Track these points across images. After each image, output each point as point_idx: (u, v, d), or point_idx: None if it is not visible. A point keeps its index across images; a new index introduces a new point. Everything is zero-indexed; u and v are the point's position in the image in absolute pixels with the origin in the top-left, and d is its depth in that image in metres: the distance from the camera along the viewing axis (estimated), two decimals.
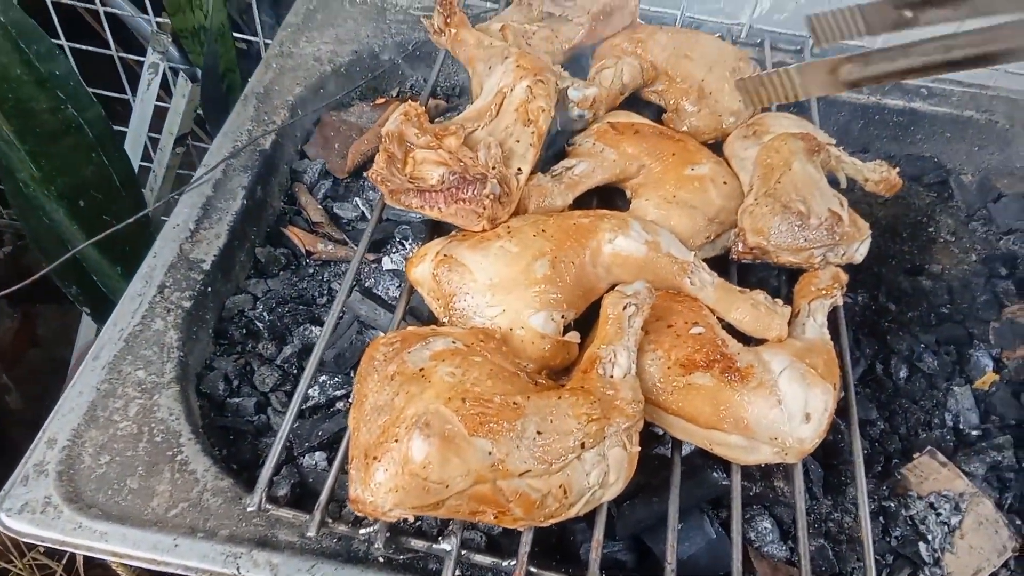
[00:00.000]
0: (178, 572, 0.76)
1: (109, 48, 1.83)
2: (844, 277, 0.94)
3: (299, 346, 1.01)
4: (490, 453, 0.68)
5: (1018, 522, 0.94)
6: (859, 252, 0.97)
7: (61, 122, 1.02)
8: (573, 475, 0.72)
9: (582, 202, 0.99)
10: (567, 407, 0.73)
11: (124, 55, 1.90)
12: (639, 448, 0.75)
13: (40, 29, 1.01)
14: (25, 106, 0.98)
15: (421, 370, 0.72)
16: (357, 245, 1.10)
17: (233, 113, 1.14)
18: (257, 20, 1.68)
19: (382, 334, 0.78)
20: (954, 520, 0.93)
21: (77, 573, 1.46)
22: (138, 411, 0.85)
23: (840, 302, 0.93)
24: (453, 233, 0.89)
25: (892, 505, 0.94)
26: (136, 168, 1.91)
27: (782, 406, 0.80)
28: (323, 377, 0.97)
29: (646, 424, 0.82)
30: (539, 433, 0.71)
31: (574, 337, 0.83)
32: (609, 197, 1.04)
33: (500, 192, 0.87)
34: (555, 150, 1.03)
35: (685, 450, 0.89)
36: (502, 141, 0.91)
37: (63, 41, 1.87)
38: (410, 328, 0.79)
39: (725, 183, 0.98)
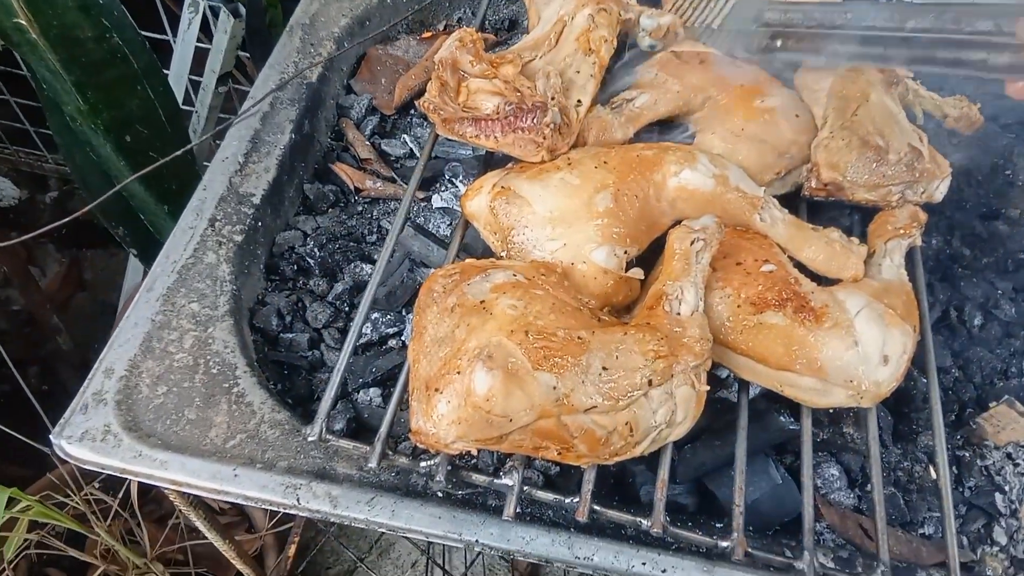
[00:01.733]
0: (238, 501, 0.75)
1: None
2: (923, 216, 0.89)
3: (350, 283, 0.99)
4: (555, 388, 0.66)
5: None
6: (939, 191, 0.92)
7: (107, 51, 1.00)
8: (640, 412, 0.69)
9: (643, 138, 0.95)
10: (633, 343, 0.70)
11: None
12: (707, 388, 0.72)
13: None
14: (70, 33, 0.95)
15: (482, 302, 0.70)
16: (406, 182, 1.08)
17: (279, 45, 1.10)
18: None
19: (438, 269, 0.75)
20: None
21: (132, 508, 1.50)
22: (193, 343, 0.84)
23: (919, 242, 0.88)
24: (510, 165, 0.85)
25: (967, 455, 0.90)
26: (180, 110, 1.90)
27: (859, 347, 0.76)
28: (375, 314, 0.95)
29: (710, 368, 0.79)
30: (605, 369, 0.68)
31: (637, 273, 0.79)
32: (671, 135, 0.99)
33: (560, 121, 0.83)
34: (618, 84, 0.98)
35: (750, 394, 0.86)
36: (561, 71, 0.86)
37: None
38: (469, 260, 0.76)
39: (797, 116, 0.92)
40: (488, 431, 0.65)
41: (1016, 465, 0.89)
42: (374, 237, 1.06)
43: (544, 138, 0.82)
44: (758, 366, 0.77)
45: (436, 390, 0.66)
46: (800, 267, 0.83)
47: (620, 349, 0.69)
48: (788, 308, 0.76)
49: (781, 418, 0.85)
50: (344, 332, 0.95)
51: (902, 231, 0.87)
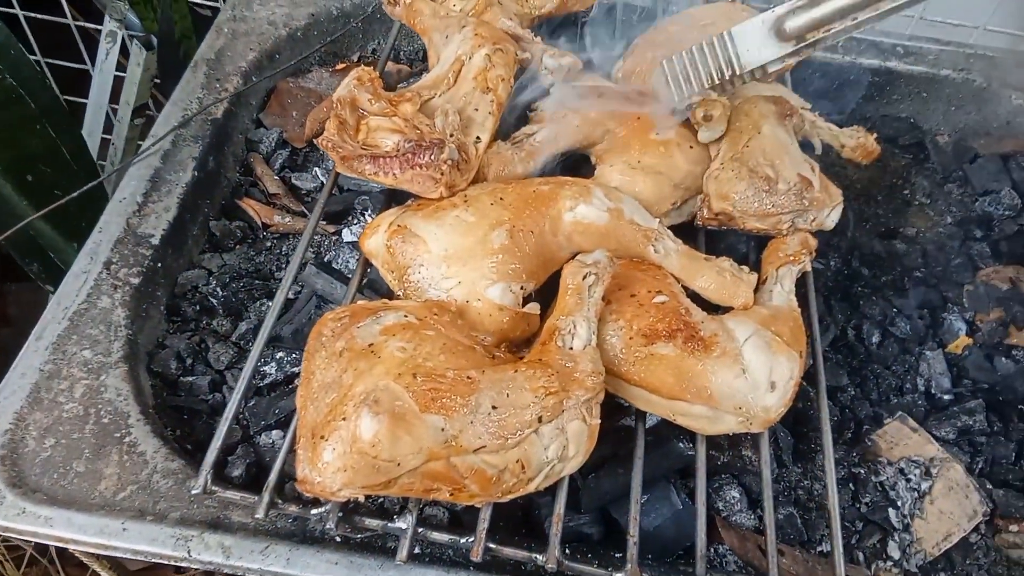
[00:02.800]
0: (127, 556, 0.74)
1: (66, 17, 1.76)
2: (813, 243, 0.92)
3: (255, 322, 0.97)
4: (443, 429, 0.66)
5: (989, 486, 0.94)
6: (830, 218, 0.95)
7: (1, 93, 0.97)
8: (531, 450, 0.70)
9: (549, 172, 0.96)
10: (523, 380, 0.71)
11: (83, 23, 1.83)
12: (599, 421, 0.73)
13: None
14: None
15: (371, 345, 0.70)
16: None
17: (182, 81, 1.09)
18: None
19: (328, 312, 0.74)
20: (924, 485, 0.92)
21: (50, 554, 1.44)
22: (84, 392, 0.82)
23: (809, 268, 0.91)
24: (408, 203, 0.86)
25: (862, 471, 0.93)
26: (98, 141, 1.86)
27: (746, 375, 0.78)
28: (280, 353, 0.94)
29: (611, 395, 0.80)
30: (494, 408, 0.68)
31: (534, 308, 0.80)
32: (576, 167, 1.01)
33: (458, 158, 0.84)
34: (516, 118, 0.99)
35: (650, 421, 0.87)
36: (460, 109, 0.87)
37: (17, 10, 1.80)
38: (360, 302, 0.76)
39: (692, 147, 0.94)
40: (375, 477, 0.65)
41: (908, 480, 0.92)
42: (282, 273, 1.05)
43: (442, 174, 0.83)
44: (652, 396, 0.79)
45: (322, 437, 0.65)
46: (696, 297, 0.86)
47: (511, 387, 0.70)
48: (678, 338, 0.78)
49: (680, 444, 0.87)
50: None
51: (792, 258, 0.89)
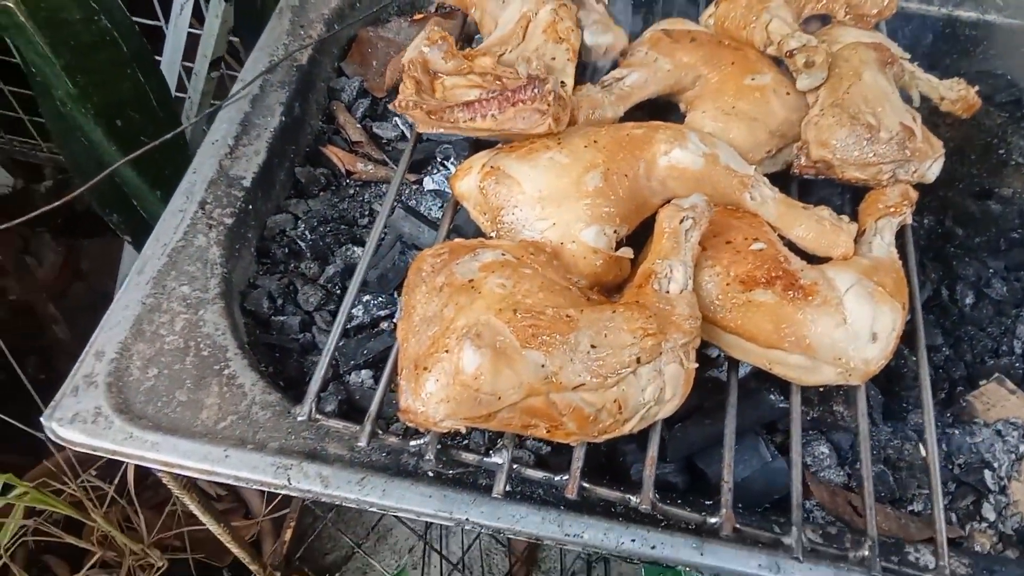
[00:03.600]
0: (229, 482, 0.76)
1: None
2: (914, 195, 0.89)
3: (341, 266, 0.99)
4: (543, 366, 0.66)
5: None
6: (931, 171, 0.91)
7: (95, 33, 0.99)
8: (628, 390, 0.69)
9: (632, 117, 0.95)
10: (622, 321, 0.70)
11: None
12: (696, 365, 0.73)
13: None
14: (58, 15, 0.95)
15: (470, 281, 0.70)
16: (397, 165, 1.08)
17: (268, 27, 1.10)
18: None
19: (427, 249, 0.75)
20: (1022, 448, 0.89)
21: (129, 495, 1.50)
22: (184, 326, 0.84)
23: (909, 220, 0.88)
24: (500, 145, 0.85)
25: (956, 432, 0.91)
26: (171, 97, 1.89)
27: (848, 324, 0.76)
28: (367, 297, 0.95)
29: (700, 345, 0.79)
30: (593, 347, 0.68)
31: (627, 252, 0.79)
32: (661, 115, 0.98)
33: (560, 91, 0.82)
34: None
35: (741, 372, 0.86)
36: (538, 59, 0.86)
37: None
38: (457, 240, 0.76)
39: (788, 93, 0.91)
40: (476, 409, 0.65)
41: (1005, 442, 0.89)
42: (365, 220, 1.06)
43: (548, 105, 0.80)
44: (747, 344, 0.78)
45: (425, 368, 0.66)
46: (791, 246, 0.83)
47: (609, 327, 0.69)
48: (777, 286, 0.76)
49: (771, 396, 0.85)
50: (335, 315, 0.95)
51: (892, 210, 0.86)
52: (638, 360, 0.69)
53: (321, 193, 1.07)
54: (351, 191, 1.08)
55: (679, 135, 0.84)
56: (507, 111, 0.82)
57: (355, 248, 1.01)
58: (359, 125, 1.12)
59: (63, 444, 0.77)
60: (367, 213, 1.06)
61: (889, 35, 1.11)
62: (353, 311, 0.94)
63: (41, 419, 0.77)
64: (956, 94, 1.01)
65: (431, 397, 0.65)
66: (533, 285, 0.70)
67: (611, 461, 0.86)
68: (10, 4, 0.90)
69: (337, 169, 1.09)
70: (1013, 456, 0.88)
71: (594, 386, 0.68)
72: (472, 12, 0.96)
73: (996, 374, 0.94)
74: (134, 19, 1.85)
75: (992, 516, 0.85)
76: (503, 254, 0.73)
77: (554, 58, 0.87)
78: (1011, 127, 1.24)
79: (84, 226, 2.64)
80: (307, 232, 1.00)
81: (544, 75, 0.82)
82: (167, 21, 1.81)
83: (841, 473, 0.87)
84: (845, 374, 0.77)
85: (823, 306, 0.76)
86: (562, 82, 0.87)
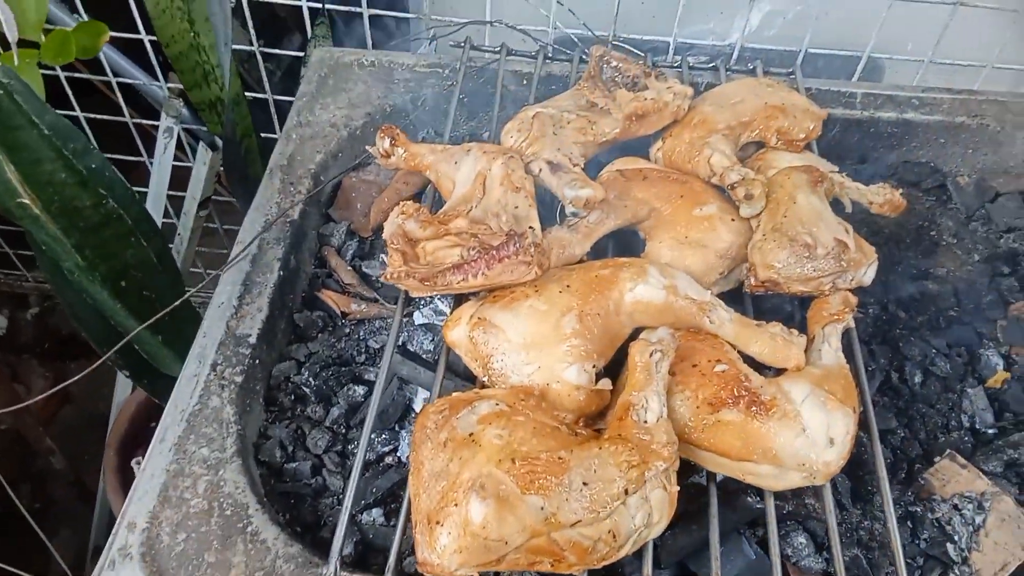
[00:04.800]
0: None
1: (124, 115, 1.91)
2: (854, 300, 1.00)
3: (345, 407, 1.07)
4: (543, 508, 0.74)
5: None
6: (867, 275, 1.03)
7: (103, 215, 1.09)
8: (620, 520, 0.77)
9: (600, 247, 1.05)
10: (608, 456, 0.79)
11: (139, 121, 1.97)
12: (678, 487, 0.81)
13: (73, 127, 1.07)
14: (70, 204, 1.04)
15: (471, 435, 0.78)
16: (387, 301, 1.17)
17: (261, 188, 1.20)
18: (264, 80, 1.74)
19: (426, 398, 0.83)
20: (978, 519, 0.98)
21: None
22: (206, 487, 0.91)
23: (852, 324, 0.99)
24: (482, 295, 0.94)
25: (918, 510, 1.00)
26: (159, 227, 1.99)
27: (807, 433, 0.85)
28: (371, 435, 1.02)
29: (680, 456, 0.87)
30: (585, 484, 0.76)
31: (606, 384, 0.88)
32: (624, 239, 1.09)
33: (538, 241, 0.92)
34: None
35: (719, 478, 0.95)
36: (505, 212, 0.97)
37: (78, 113, 1.95)
38: (456, 394, 0.84)
39: (733, 219, 1.03)
40: (487, 555, 0.73)
41: (963, 515, 0.98)
42: (363, 357, 1.14)
43: (532, 256, 0.90)
44: (721, 459, 0.87)
45: (437, 523, 0.74)
46: (748, 359, 0.93)
47: (597, 463, 0.78)
48: (741, 404, 0.86)
49: (748, 499, 0.94)
50: (343, 455, 1.03)
51: (836, 317, 0.97)
52: (626, 491, 0.77)
53: (319, 335, 1.16)
54: (347, 330, 1.17)
55: (641, 272, 0.94)
56: (495, 267, 0.91)
57: (355, 387, 1.09)
58: (349, 267, 1.22)
59: None
60: (363, 350, 1.14)
61: (821, 136, 1.24)
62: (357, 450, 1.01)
63: None
64: (883, 198, 1.13)
65: (445, 549, 0.73)
66: (527, 432, 0.79)
67: (611, 574, 0.94)
68: (27, 200, 0.99)
69: (332, 311, 1.18)
70: (971, 528, 0.97)
71: (590, 520, 0.76)
72: (428, 174, 1.07)
73: (948, 450, 1.04)
74: (119, 157, 1.98)
75: None
76: (497, 404, 0.82)
77: (517, 207, 0.98)
78: (939, 210, 1.37)
79: (69, 350, 2.70)
80: (310, 378, 1.08)
81: (516, 228, 0.93)
82: (151, 156, 1.92)
83: (819, 560, 0.95)
84: (810, 477, 0.86)
85: (783, 419, 0.85)
86: (531, 227, 0.98)
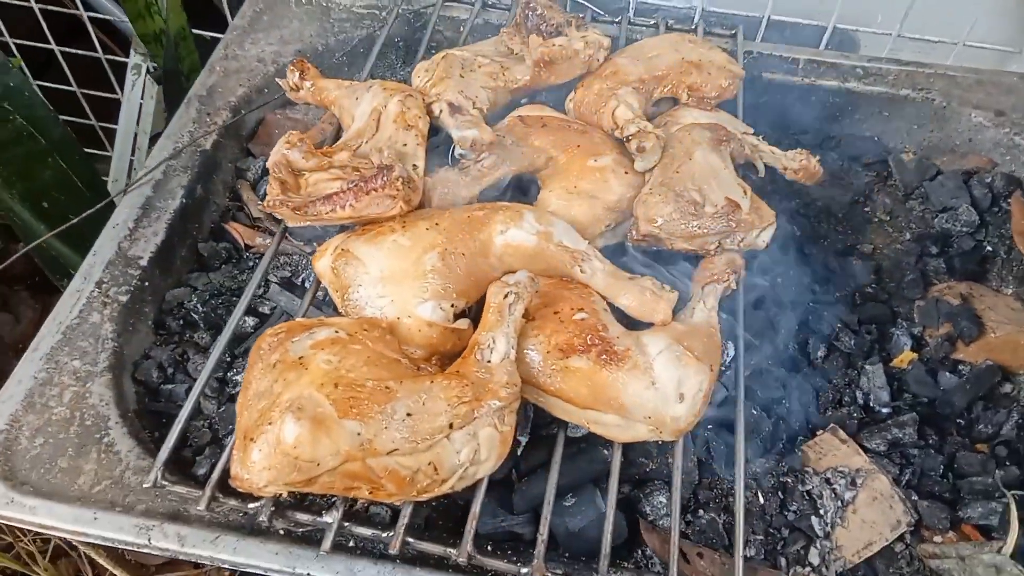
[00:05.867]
0: (98, 542, 0.84)
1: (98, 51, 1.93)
2: (740, 262, 0.97)
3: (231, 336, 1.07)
4: (359, 434, 0.74)
5: (915, 498, 0.97)
6: (760, 238, 1.00)
7: (11, 132, 1.10)
8: (443, 453, 0.77)
9: (501, 196, 1.04)
10: (439, 390, 0.78)
11: (113, 57, 1.99)
12: (511, 428, 0.80)
13: None
14: None
15: (301, 358, 0.78)
16: (297, 238, 1.17)
17: (175, 116, 1.20)
18: (228, 15, 1.74)
19: (268, 328, 0.83)
20: (848, 495, 0.95)
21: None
22: (71, 397, 0.93)
23: (734, 286, 0.96)
24: (354, 228, 0.94)
25: (789, 481, 0.97)
26: (127, 163, 2.01)
27: (656, 387, 0.84)
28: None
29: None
30: (409, 415, 0.76)
31: (462, 324, 0.88)
32: (528, 189, 1.08)
33: (407, 175, 0.92)
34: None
35: (581, 431, 0.94)
36: (390, 147, 0.96)
37: (53, 46, 1.97)
38: (299, 320, 0.85)
39: (626, 173, 1.01)
40: (297, 475, 0.73)
41: (833, 490, 0.96)
42: (261, 291, 1.14)
43: (398, 191, 0.90)
44: (567, 406, 0.85)
45: (251, 439, 0.74)
46: (623, 314, 0.92)
47: (427, 396, 0.78)
48: (592, 352, 0.84)
49: (605, 451, 0.93)
50: (223, 382, 1.03)
51: (716, 277, 0.95)
52: (451, 425, 0.77)
53: (223, 266, 1.17)
54: (251, 263, 1.17)
55: (516, 216, 0.93)
56: (362, 199, 0.91)
57: (247, 319, 1.09)
58: (260, 202, 1.22)
59: None
60: (263, 284, 1.15)
61: (751, 104, 1.21)
62: (237, 377, 1.02)
63: None
64: (798, 164, 1.10)
65: (254, 465, 0.73)
66: (359, 360, 0.79)
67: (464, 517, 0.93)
68: None
69: (238, 243, 1.19)
70: (839, 503, 0.95)
71: (407, 450, 0.75)
72: (332, 109, 1.06)
73: (831, 424, 1.02)
74: (96, 93, 2.00)
75: (816, 561, 0.92)
76: (336, 332, 0.81)
77: (405, 144, 0.97)
78: (877, 186, 1.32)
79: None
80: (199, 305, 1.09)
81: (393, 162, 0.92)
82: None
83: (681, 522, 0.94)
84: (656, 431, 0.85)
85: (633, 370, 0.84)
86: (414, 165, 0.97)
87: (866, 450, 1.00)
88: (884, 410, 1.05)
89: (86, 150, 2.16)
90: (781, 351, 1.10)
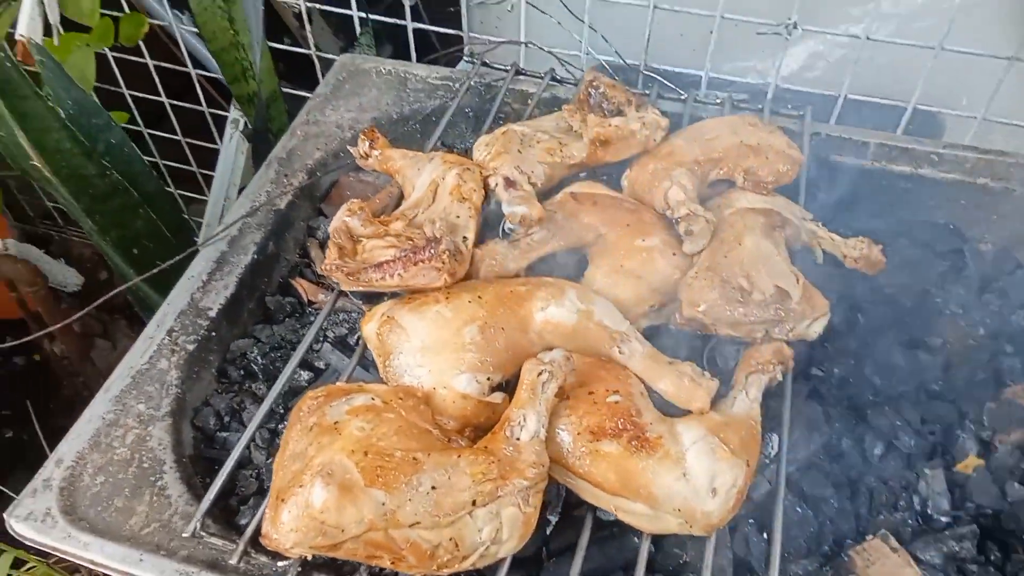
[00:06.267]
0: None
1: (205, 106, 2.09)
2: (788, 352, 0.95)
3: (287, 388, 1.12)
4: (383, 504, 0.76)
5: None
6: (812, 329, 0.98)
7: (109, 185, 1.21)
8: (464, 530, 0.78)
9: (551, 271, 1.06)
10: (465, 465, 0.79)
11: (216, 112, 2.16)
12: (535, 509, 0.80)
13: (98, 105, 1.20)
14: (76, 173, 1.17)
15: (336, 423, 0.81)
16: (355, 297, 1.22)
17: (256, 176, 1.29)
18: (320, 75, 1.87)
19: (310, 390, 0.87)
20: None
21: None
22: (134, 439, 0.99)
23: (780, 378, 0.94)
24: (402, 296, 0.98)
25: None
26: (220, 210, 2.16)
27: (687, 478, 0.82)
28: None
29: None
30: (434, 488, 0.77)
31: (496, 397, 0.89)
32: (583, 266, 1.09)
33: (454, 249, 0.95)
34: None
35: (613, 516, 0.92)
36: (443, 219, 0.99)
37: (164, 98, 2.14)
38: (339, 384, 0.88)
39: (675, 254, 1.01)
40: (322, 540, 0.75)
41: None
42: (319, 345, 1.20)
43: (443, 263, 0.94)
44: (596, 490, 0.85)
45: (282, 500, 0.77)
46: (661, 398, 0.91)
47: (453, 470, 0.79)
48: (623, 437, 0.84)
49: (635, 539, 0.91)
50: (274, 433, 1.08)
51: (762, 368, 0.93)
52: (474, 503, 0.78)
53: (286, 319, 1.23)
54: (311, 318, 1.23)
55: (558, 292, 0.94)
56: (410, 270, 0.95)
57: (303, 372, 1.14)
58: None
59: (17, 537, 0.91)
60: (322, 339, 1.20)
61: (817, 187, 1.19)
62: (281, 427, 1.06)
63: (3, 514, 0.93)
64: (859, 252, 1.07)
65: (283, 526, 0.76)
66: (391, 429, 0.81)
67: None
68: (37, 164, 1.13)
69: (302, 298, 1.25)
70: None
71: (430, 524, 0.77)
72: (396, 177, 1.12)
73: (882, 530, 0.96)
74: (199, 143, 2.17)
75: None
76: (372, 399, 0.84)
77: (458, 216, 1.00)
78: (951, 276, 1.26)
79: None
80: (259, 356, 1.15)
81: (442, 234, 0.96)
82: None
83: None
84: (687, 525, 0.83)
85: (664, 459, 0.83)
86: (464, 237, 1.00)
87: (919, 561, 0.94)
88: (942, 519, 0.99)
89: (186, 194, 2.34)
90: (834, 445, 1.05)
